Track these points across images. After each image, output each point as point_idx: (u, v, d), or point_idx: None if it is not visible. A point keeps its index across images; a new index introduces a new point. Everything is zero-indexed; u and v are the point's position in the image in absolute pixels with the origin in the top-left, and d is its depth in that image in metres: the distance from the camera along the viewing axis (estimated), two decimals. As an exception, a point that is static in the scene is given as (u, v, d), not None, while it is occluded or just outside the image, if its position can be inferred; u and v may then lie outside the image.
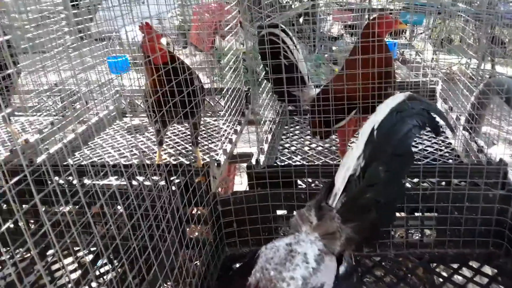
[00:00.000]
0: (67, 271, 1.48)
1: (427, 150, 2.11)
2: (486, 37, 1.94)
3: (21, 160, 0.73)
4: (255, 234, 1.69)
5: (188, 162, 2.09)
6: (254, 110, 2.02)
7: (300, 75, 1.92)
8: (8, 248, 0.89)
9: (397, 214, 1.59)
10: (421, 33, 5.15)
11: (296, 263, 1.01)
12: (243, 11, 1.82)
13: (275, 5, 2.60)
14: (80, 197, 0.92)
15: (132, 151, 2.30)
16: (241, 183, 2.49)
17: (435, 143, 2.18)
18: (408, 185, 1.88)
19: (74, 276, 1.54)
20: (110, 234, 1.07)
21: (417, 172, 1.64)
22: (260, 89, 2.22)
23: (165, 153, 2.28)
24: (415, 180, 1.88)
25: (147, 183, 1.32)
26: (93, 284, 1.48)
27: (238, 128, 2.32)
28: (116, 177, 1.65)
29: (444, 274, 1.58)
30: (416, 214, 1.62)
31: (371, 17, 1.87)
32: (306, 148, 2.26)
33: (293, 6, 5.85)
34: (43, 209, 1.90)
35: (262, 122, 2.09)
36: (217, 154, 2.06)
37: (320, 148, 2.25)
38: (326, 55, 4.27)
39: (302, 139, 2.37)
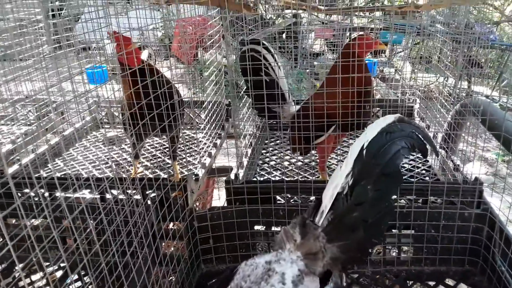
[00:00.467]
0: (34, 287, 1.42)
1: (404, 167, 2.13)
2: (463, 58, 1.98)
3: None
4: (232, 251, 1.66)
5: (165, 176, 2.05)
6: (235, 124, 2.01)
7: (281, 92, 1.92)
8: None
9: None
10: (400, 52, 5.26)
11: (271, 283, 0.98)
12: (226, 26, 1.82)
13: (258, 21, 2.62)
14: (50, 211, 0.88)
15: (107, 163, 2.25)
16: (219, 198, 2.46)
17: (412, 160, 2.20)
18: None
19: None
20: (80, 250, 1.03)
21: (394, 189, 1.65)
22: (241, 103, 2.21)
23: (142, 166, 2.24)
24: (393, 197, 1.89)
25: (121, 196, 1.28)
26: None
27: (218, 141, 2.30)
28: (89, 190, 1.61)
29: (421, 292, 1.58)
30: (394, 231, 1.62)
31: (352, 37, 1.89)
32: (286, 163, 2.26)
33: (276, 22, 5.91)
34: (13, 221, 1.83)
35: (242, 136, 2.07)
36: (195, 168, 2.03)
37: (300, 163, 2.24)
38: (307, 71, 4.31)
39: (282, 154, 2.37)
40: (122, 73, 1.72)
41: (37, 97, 2.37)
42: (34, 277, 1.59)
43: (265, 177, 2.09)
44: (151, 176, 2.10)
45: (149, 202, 1.56)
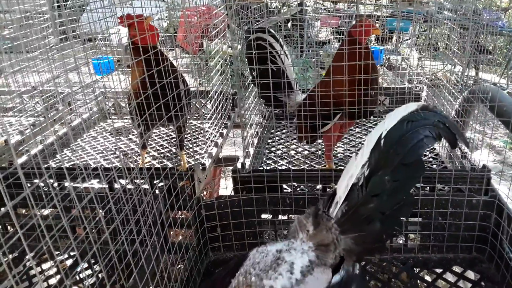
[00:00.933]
0: (45, 276, 1.44)
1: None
2: (471, 44, 1.96)
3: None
4: (239, 239, 1.68)
5: (172, 165, 2.06)
6: (241, 114, 2.01)
7: (288, 81, 1.91)
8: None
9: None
10: (407, 40, 5.21)
11: (279, 272, 0.97)
12: (231, 15, 1.81)
13: (263, 9, 2.60)
14: (59, 200, 0.90)
15: (115, 153, 2.26)
16: (226, 187, 2.47)
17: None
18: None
19: (53, 281, 1.51)
20: (89, 239, 1.05)
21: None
22: (247, 93, 2.21)
23: (149, 156, 2.25)
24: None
25: (129, 186, 1.29)
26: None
27: (224, 131, 2.30)
28: (97, 180, 1.62)
29: (428, 278, 1.58)
30: (401, 218, 1.62)
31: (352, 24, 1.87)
32: (292, 152, 2.26)
33: (281, 11, 5.87)
34: (23, 211, 1.86)
35: (248, 125, 2.08)
36: (202, 158, 2.04)
37: (306, 152, 2.24)
38: (313, 60, 4.28)
39: (288, 143, 2.37)
40: (136, 57, 1.69)
41: (44, 88, 2.38)
42: (44, 266, 1.62)
43: (272, 166, 2.10)
44: (158, 165, 2.11)
45: (157, 191, 1.57)
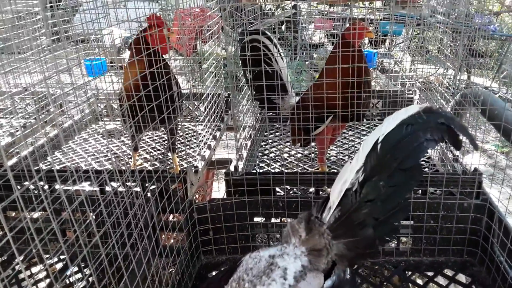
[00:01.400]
0: (34, 279, 1.42)
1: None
2: (463, 48, 1.97)
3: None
4: (231, 242, 1.67)
5: (164, 168, 2.05)
6: (234, 116, 2.00)
7: (282, 83, 1.91)
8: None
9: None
10: (400, 43, 5.23)
11: (273, 278, 0.96)
12: (225, 17, 1.80)
13: (257, 11, 2.60)
14: (49, 203, 0.88)
15: (106, 156, 2.25)
16: (218, 190, 2.47)
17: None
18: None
19: (43, 285, 1.49)
20: (80, 242, 1.03)
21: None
22: (241, 95, 2.21)
23: (141, 159, 2.24)
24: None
25: (121, 189, 1.28)
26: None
27: (217, 134, 2.29)
28: (88, 182, 1.61)
29: (420, 282, 1.58)
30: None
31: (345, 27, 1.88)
32: (285, 155, 2.26)
33: (275, 13, 5.88)
34: (13, 214, 1.84)
35: (241, 128, 2.07)
36: (195, 160, 2.03)
37: (299, 155, 2.24)
38: (307, 62, 4.29)
39: (281, 146, 2.36)
40: (137, 55, 1.69)
41: (35, 89, 2.35)
42: (34, 269, 1.60)
43: (265, 169, 2.09)
44: (150, 168, 2.10)
45: (148, 194, 1.56)
